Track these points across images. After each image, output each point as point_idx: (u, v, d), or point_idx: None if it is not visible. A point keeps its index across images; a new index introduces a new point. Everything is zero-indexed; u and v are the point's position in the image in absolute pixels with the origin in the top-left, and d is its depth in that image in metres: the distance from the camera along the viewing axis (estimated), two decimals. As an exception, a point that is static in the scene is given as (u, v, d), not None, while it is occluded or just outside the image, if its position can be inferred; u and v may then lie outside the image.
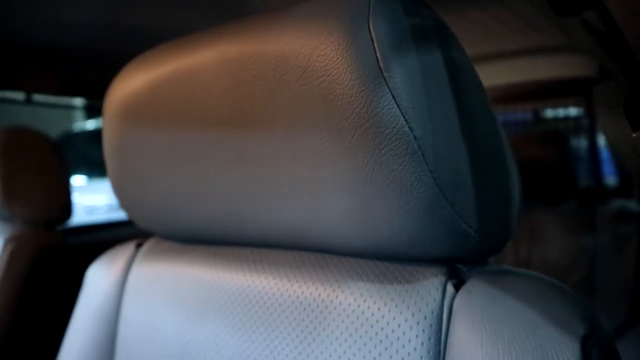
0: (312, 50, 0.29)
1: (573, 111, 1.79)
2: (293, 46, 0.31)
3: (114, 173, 0.45)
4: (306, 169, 0.32)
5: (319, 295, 0.34)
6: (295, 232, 0.36)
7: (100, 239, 1.15)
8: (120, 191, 0.46)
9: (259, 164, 0.35)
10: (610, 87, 1.38)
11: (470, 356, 0.27)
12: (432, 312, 0.29)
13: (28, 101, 1.21)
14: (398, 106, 0.27)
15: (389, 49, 0.27)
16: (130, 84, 0.42)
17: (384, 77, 0.27)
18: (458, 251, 0.31)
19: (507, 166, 0.32)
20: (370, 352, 0.30)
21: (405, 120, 0.27)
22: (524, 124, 1.86)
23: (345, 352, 0.31)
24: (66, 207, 0.91)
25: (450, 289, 0.30)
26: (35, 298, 0.83)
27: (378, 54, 0.27)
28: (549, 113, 1.88)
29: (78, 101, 1.50)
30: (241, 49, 0.34)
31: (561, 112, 1.84)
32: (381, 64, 0.27)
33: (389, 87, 0.27)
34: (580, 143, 1.62)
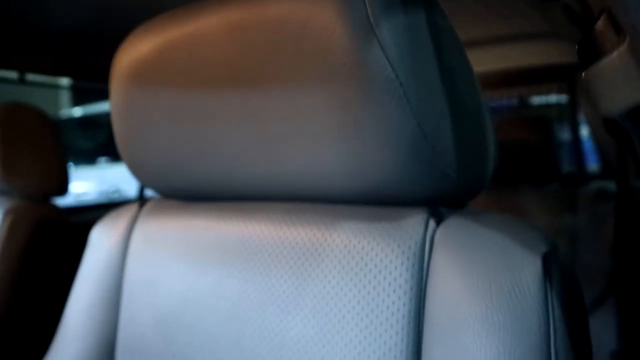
0: (309, 13, 0.33)
1: (558, 98, 1.84)
2: (291, 10, 0.34)
3: (120, 133, 0.48)
4: (304, 122, 0.35)
5: (314, 236, 0.38)
6: (292, 183, 0.40)
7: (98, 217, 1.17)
8: (126, 151, 0.49)
9: (260, 119, 0.38)
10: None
11: (449, 278, 0.31)
12: (416, 243, 0.33)
13: (22, 81, 1.23)
14: (386, 56, 0.30)
15: (378, 7, 0.30)
16: (137, 48, 0.44)
17: (374, 32, 0.30)
18: (439, 193, 0.34)
19: (484, 118, 0.36)
20: (360, 280, 0.34)
21: (392, 69, 0.30)
22: (510, 110, 1.90)
23: (338, 283, 0.35)
24: (63, 181, 0.93)
25: (432, 224, 0.34)
26: (34, 269, 0.85)
27: (369, 12, 0.30)
28: (535, 100, 1.93)
29: (65, 81, 1.51)
30: (243, 14, 0.37)
31: (546, 99, 1.90)
32: (372, 20, 0.30)
33: (378, 40, 0.30)
34: (564, 129, 1.67)
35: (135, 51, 0.45)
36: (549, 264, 0.29)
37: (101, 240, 0.53)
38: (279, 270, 0.38)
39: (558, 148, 1.54)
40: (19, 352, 0.81)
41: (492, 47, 1.34)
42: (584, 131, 1.64)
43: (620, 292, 1.13)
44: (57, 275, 0.88)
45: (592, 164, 1.60)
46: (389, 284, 0.33)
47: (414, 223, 0.34)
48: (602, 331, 1.10)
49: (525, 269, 0.28)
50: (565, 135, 1.66)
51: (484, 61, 1.39)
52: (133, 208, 0.54)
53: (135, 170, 0.50)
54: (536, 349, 0.27)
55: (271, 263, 0.39)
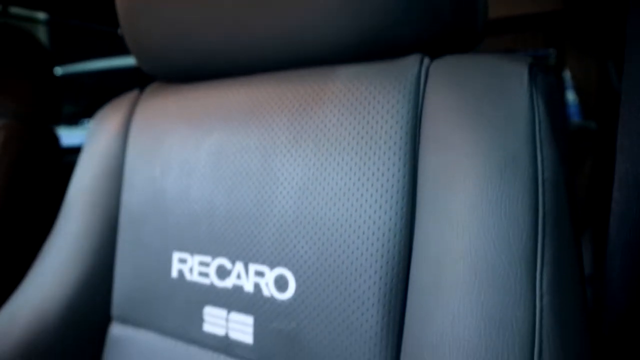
0: None
1: (545, 51, 1.87)
2: None
3: (123, 15, 0.49)
4: None
5: (314, 83, 0.39)
6: (292, 44, 0.41)
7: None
8: (128, 32, 0.49)
9: None
10: (575, 23, 1.46)
11: (443, 99, 0.33)
12: (412, 75, 0.35)
13: (5, 14, 1.20)
14: None
15: None
16: None
17: None
18: (433, 38, 0.37)
19: None
20: (360, 113, 0.36)
21: None
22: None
23: (338, 120, 0.37)
24: (54, 103, 0.93)
25: (426, 60, 0.36)
26: (23, 186, 0.86)
27: None
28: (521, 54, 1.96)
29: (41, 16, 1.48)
30: None
31: (534, 52, 1.93)
32: None
33: None
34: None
35: None
36: (534, 72, 0.31)
37: (103, 124, 0.54)
38: (281, 119, 0.40)
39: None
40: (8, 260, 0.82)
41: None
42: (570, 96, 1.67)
43: (595, 225, 1.19)
44: (48, 194, 0.88)
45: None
46: (387, 112, 0.35)
47: (409, 61, 0.36)
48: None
49: (513, 76, 0.31)
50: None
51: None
52: (134, 94, 0.55)
53: (136, 53, 0.51)
54: (523, 140, 0.29)
55: (273, 114, 0.41)
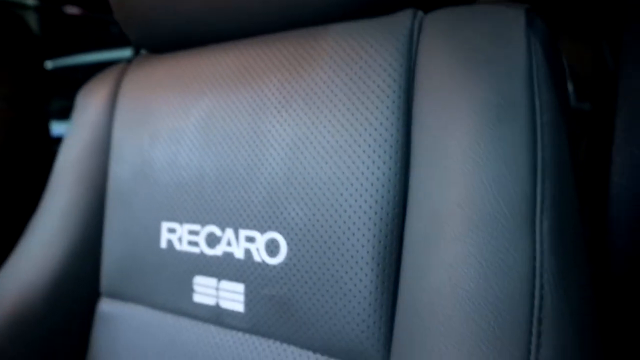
0: None
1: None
2: None
3: None
4: None
5: (305, 41, 0.38)
6: (281, 6, 0.40)
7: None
8: (115, 1, 0.48)
9: None
10: (568, 6, 1.45)
11: (437, 48, 0.32)
12: (405, 29, 0.34)
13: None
14: None
15: None
16: None
17: None
18: None
19: None
20: (352, 69, 0.35)
21: None
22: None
23: (329, 77, 0.36)
24: (43, 86, 0.91)
25: (420, 14, 0.35)
26: (13, 170, 0.84)
27: None
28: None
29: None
30: None
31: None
32: None
33: None
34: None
35: None
36: (531, 16, 0.30)
37: (89, 96, 0.53)
38: (271, 80, 0.39)
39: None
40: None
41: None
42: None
43: (592, 206, 1.18)
44: (36, 176, 0.87)
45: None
46: (380, 66, 0.34)
47: (402, 16, 0.35)
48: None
49: (509, 21, 0.30)
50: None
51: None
52: (121, 65, 0.53)
53: (124, 20, 0.50)
54: (521, 84, 0.28)
55: (263, 75, 0.40)
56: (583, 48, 1.48)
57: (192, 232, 0.41)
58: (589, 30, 1.42)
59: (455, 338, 0.25)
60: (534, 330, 0.23)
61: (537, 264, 0.25)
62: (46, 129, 0.92)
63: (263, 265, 0.37)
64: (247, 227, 0.38)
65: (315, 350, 0.35)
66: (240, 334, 0.39)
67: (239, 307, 0.38)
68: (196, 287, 0.41)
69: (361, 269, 0.32)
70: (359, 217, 0.33)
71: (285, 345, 0.36)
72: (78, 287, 0.48)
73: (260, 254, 0.37)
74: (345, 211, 0.33)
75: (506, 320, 0.24)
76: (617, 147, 0.36)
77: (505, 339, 0.23)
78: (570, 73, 1.58)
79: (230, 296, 0.39)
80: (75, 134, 0.52)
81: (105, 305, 0.48)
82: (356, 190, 0.33)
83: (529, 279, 0.24)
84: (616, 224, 0.36)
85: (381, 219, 0.32)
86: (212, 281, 0.40)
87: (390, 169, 0.32)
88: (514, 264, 0.25)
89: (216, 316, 0.40)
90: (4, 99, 0.87)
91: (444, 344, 0.25)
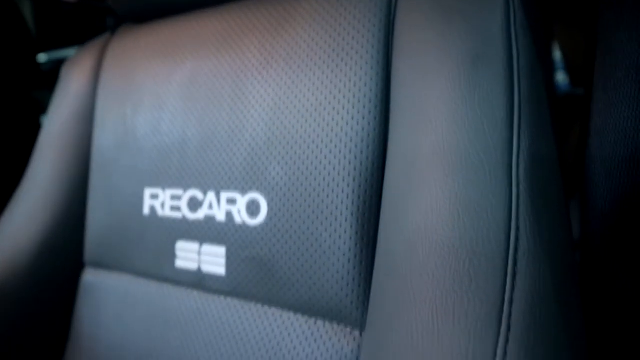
0: None
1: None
2: None
3: None
4: None
5: (286, 2, 0.38)
6: None
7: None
8: None
9: None
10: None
11: (416, 3, 0.31)
12: None
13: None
14: None
15: None
16: None
17: None
18: None
19: None
20: (331, 26, 0.35)
21: None
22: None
23: (309, 36, 0.35)
24: (33, 67, 0.90)
25: None
26: (4, 149, 0.84)
27: None
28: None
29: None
30: None
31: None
32: None
33: None
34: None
35: None
36: None
37: (73, 68, 0.52)
38: (252, 41, 0.39)
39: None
40: None
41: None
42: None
43: (583, 192, 1.18)
44: (27, 154, 0.86)
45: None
46: (359, 22, 0.33)
47: None
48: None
49: None
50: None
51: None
52: (105, 37, 0.53)
53: None
54: (498, 29, 0.28)
55: (244, 37, 0.39)
56: (578, 34, 1.48)
57: (174, 197, 0.41)
58: (583, 15, 1.42)
59: (430, 283, 0.24)
60: (509, 271, 0.23)
61: (514, 207, 0.24)
62: (37, 124, 0.91)
63: (244, 227, 0.37)
64: (228, 189, 0.38)
65: (296, 311, 0.34)
66: (222, 298, 0.38)
67: (221, 271, 0.38)
68: (179, 253, 0.41)
69: (340, 225, 0.32)
70: (339, 174, 0.32)
71: (266, 308, 0.36)
72: (62, 258, 0.48)
73: (241, 216, 0.37)
74: (324, 168, 0.33)
75: (481, 263, 0.24)
76: (592, 140, 0.36)
77: (480, 280, 0.23)
78: (565, 59, 1.58)
79: (212, 260, 0.39)
80: (59, 106, 0.52)
81: (89, 276, 0.48)
82: (335, 146, 0.33)
83: (504, 220, 0.24)
84: (592, 184, 0.36)
85: (360, 174, 0.32)
86: (194, 246, 0.40)
87: (369, 123, 0.32)
88: (489, 208, 0.24)
89: (198, 280, 0.40)
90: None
91: (418, 289, 0.25)
